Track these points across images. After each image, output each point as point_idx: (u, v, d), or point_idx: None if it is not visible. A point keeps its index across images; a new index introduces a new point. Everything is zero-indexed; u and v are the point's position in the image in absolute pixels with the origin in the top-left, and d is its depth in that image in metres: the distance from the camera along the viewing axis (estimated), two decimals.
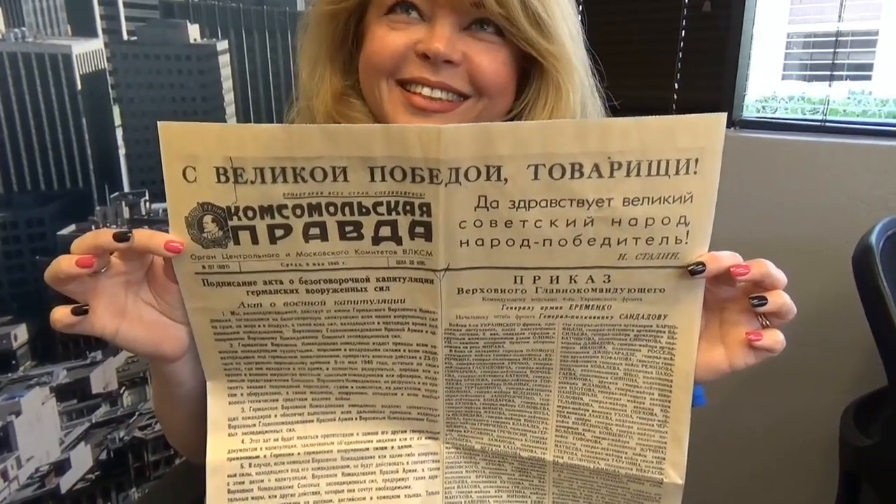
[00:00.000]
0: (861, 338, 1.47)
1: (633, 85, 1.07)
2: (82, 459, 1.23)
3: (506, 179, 0.44)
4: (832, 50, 1.44)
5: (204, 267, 0.48)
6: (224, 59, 1.33)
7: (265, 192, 0.45)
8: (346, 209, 0.46)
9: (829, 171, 1.54)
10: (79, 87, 1.11)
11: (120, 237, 0.45)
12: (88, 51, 1.11)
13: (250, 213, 0.46)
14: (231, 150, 0.44)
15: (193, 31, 1.27)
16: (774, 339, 0.49)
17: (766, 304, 0.48)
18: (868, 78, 1.55)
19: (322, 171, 0.44)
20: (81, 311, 0.46)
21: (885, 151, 1.49)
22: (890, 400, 1.24)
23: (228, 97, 1.38)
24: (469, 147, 0.43)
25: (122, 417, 1.28)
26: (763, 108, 1.79)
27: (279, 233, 0.47)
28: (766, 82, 1.75)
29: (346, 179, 0.45)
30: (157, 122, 0.44)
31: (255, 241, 0.47)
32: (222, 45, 1.32)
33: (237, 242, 0.47)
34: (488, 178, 0.44)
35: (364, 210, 0.46)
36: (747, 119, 1.75)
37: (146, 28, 1.20)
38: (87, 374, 1.21)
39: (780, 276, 0.48)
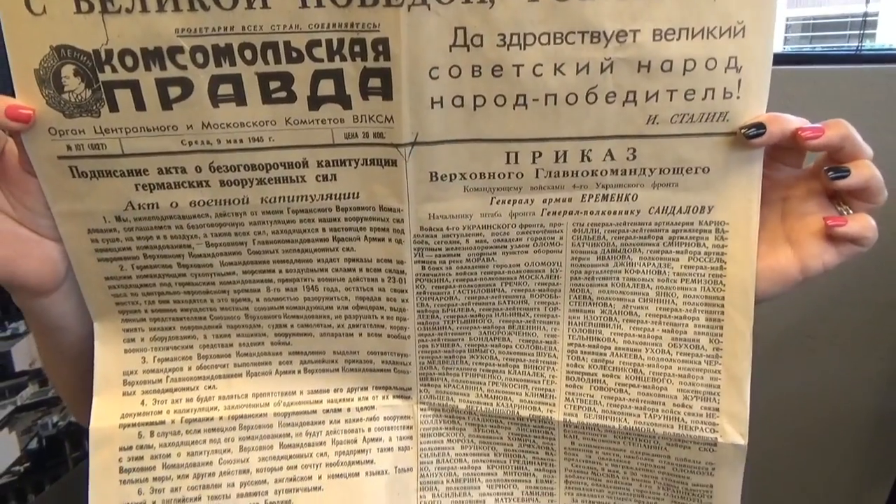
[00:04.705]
0: None
1: None
2: (7, 449, 1.12)
3: (492, 0, 0.33)
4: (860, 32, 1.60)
5: (70, 148, 0.36)
6: None
7: (149, 26, 0.34)
8: (270, 53, 0.35)
9: (870, 103, 1.44)
10: None
11: None
12: None
13: (130, 62, 0.34)
14: None
15: None
16: (863, 223, 0.38)
17: (847, 175, 0.37)
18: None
19: None
20: None
21: None
22: None
23: None
24: None
25: (55, 399, 1.17)
26: None
27: (174, 92, 0.35)
28: None
29: (265, 5, 0.33)
30: None
31: (140, 105, 0.35)
32: None
33: (114, 108, 0.35)
34: None
35: (295, 54, 0.35)
36: None
37: None
38: (7, 347, 1.10)
39: (864, 144, 0.38)
